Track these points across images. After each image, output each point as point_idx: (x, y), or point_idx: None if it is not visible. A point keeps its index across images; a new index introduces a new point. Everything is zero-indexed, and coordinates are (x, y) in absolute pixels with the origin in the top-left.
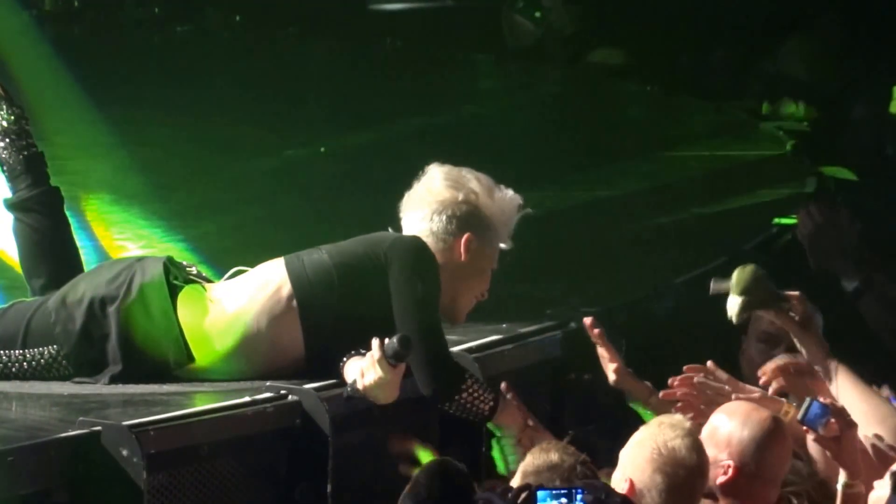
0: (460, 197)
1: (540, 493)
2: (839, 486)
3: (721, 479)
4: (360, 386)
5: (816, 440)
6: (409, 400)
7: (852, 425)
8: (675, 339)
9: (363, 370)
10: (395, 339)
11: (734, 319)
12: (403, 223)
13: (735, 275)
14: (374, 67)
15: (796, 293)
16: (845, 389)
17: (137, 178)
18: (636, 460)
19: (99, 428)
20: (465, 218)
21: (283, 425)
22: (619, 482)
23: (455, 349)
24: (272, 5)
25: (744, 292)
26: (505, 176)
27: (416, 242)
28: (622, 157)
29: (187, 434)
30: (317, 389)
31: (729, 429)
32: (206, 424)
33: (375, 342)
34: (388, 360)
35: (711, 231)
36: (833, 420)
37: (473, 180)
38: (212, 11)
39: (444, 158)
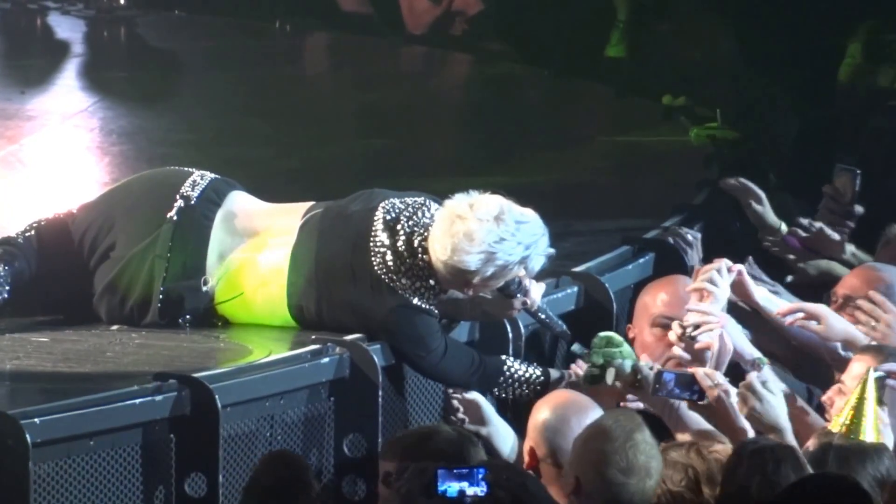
0: None
1: (440, 472)
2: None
3: None
4: None
5: (691, 408)
6: (303, 388)
7: (724, 390)
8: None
9: None
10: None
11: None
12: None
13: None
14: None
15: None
16: None
17: None
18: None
19: None
20: None
21: (174, 413)
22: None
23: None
24: None
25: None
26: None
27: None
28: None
29: (74, 423)
30: (207, 379)
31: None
32: (94, 414)
33: None
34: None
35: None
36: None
37: None
38: None
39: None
